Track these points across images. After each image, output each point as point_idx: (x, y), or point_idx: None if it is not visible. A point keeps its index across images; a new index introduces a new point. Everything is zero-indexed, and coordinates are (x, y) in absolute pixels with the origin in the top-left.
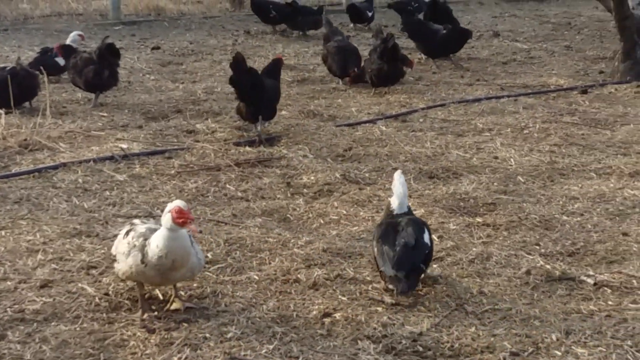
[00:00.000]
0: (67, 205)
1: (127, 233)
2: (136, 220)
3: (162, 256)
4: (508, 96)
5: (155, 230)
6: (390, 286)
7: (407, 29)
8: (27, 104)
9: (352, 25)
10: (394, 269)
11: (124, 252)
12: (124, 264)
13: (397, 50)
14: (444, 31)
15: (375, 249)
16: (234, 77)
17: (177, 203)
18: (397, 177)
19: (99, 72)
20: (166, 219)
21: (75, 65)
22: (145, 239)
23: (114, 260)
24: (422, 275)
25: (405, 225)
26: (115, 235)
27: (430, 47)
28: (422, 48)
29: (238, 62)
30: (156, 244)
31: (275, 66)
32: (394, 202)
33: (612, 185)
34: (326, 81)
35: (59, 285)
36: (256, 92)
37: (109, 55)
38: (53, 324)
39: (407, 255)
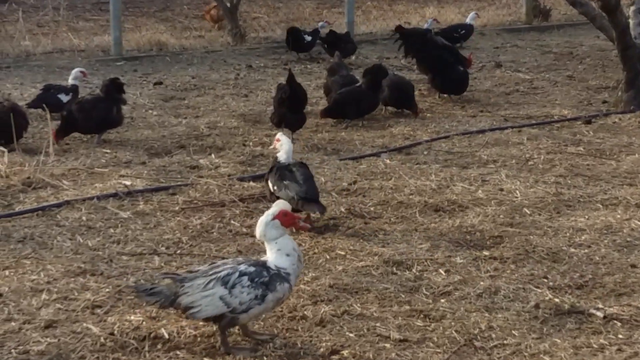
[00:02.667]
0: (71, 243)
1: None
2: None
3: (300, 258)
4: (512, 127)
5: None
6: (304, 211)
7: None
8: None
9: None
10: (307, 194)
11: (252, 297)
12: (265, 305)
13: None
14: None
15: (275, 187)
16: (294, 89)
17: (280, 205)
18: (282, 136)
19: (109, 109)
20: (272, 227)
21: (82, 109)
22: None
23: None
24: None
25: (298, 168)
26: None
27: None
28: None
29: (293, 77)
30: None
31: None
32: (282, 156)
33: (618, 216)
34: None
35: (63, 325)
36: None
37: (115, 91)
38: None
39: (313, 185)
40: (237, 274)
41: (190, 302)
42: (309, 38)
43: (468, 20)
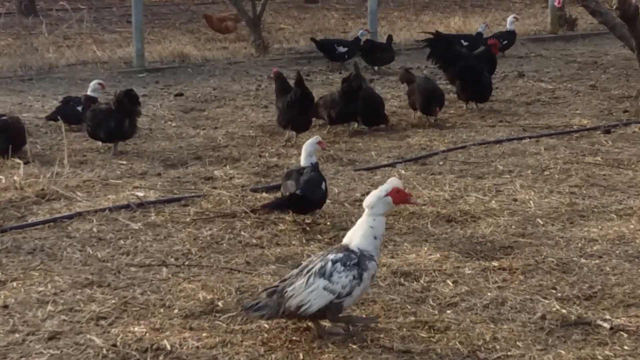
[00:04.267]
0: (81, 255)
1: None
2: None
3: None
4: (530, 137)
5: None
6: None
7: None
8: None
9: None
10: (297, 190)
11: (351, 277)
12: (363, 284)
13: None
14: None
15: (282, 188)
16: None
17: (394, 183)
18: (309, 141)
19: (120, 121)
20: (383, 203)
21: (95, 117)
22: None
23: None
24: (317, 212)
25: (309, 171)
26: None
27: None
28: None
29: (302, 79)
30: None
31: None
32: (302, 160)
33: (632, 226)
34: (346, 124)
35: (67, 336)
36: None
37: (130, 103)
38: None
39: (314, 186)
40: (329, 263)
41: (299, 302)
42: (342, 49)
43: (508, 27)
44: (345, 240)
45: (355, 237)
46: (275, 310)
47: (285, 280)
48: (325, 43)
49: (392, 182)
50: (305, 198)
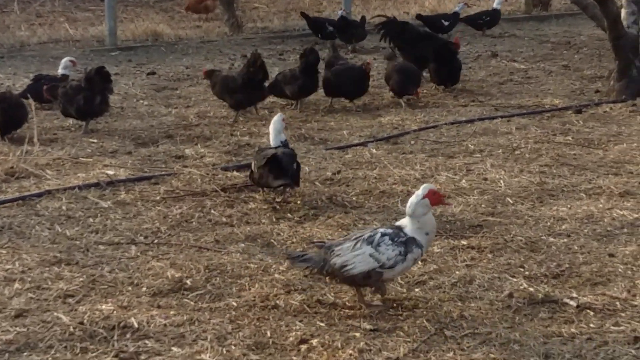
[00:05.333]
0: (49, 233)
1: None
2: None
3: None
4: (502, 117)
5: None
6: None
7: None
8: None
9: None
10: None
11: (397, 252)
12: (405, 264)
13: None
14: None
15: (252, 163)
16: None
17: (428, 187)
18: (274, 119)
19: (90, 99)
20: (421, 206)
21: (66, 94)
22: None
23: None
24: (287, 190)
25: (283, 149)
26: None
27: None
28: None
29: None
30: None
31: None
32: (271, 140)
33: (601, 205)
34: (320, 103)
35: (34, 314)
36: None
37: (100, 80)
38: (25, 354)
39: (288, 157)
40: (379, 235)
41: (344, 262)
42: (331, 29)
43: (495, 5)
44: (399, 222)
45: (409, 225)
46: (321, 266)
47: (334, 240)
48: (317, 21)
49: (426, 186)
50: (284, 159)
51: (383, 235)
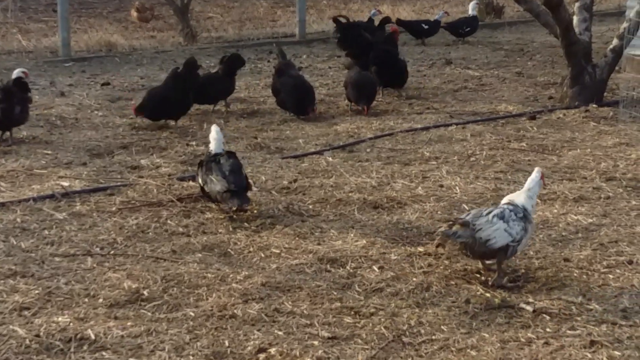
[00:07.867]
0: (4, 245)
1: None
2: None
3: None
4: (457, 124)
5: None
6: (226, 204)
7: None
8: None
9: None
10: (230, 185)
11: (521, 227)
12: (527, 236)
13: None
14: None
15: (203, 182)
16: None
17: (541, 170)
18: (214, 129)
19: (9, 109)
20: (538, 185)
21: None
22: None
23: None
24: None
25: (227, 159)
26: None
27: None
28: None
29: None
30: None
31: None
32: (212, 147)
33: (555, 210)
34: (275, 113)
35: None
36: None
37: (18, 91)
38: None
39: (239, 177)
40: (507, 210)
41: (487, 236)
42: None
43: (470, 12)
44: (504, 200)
45: (519, 198)
46: (473, 239)
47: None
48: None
49: (539, 169)
50: (240, 189)
51: (510, 211)
